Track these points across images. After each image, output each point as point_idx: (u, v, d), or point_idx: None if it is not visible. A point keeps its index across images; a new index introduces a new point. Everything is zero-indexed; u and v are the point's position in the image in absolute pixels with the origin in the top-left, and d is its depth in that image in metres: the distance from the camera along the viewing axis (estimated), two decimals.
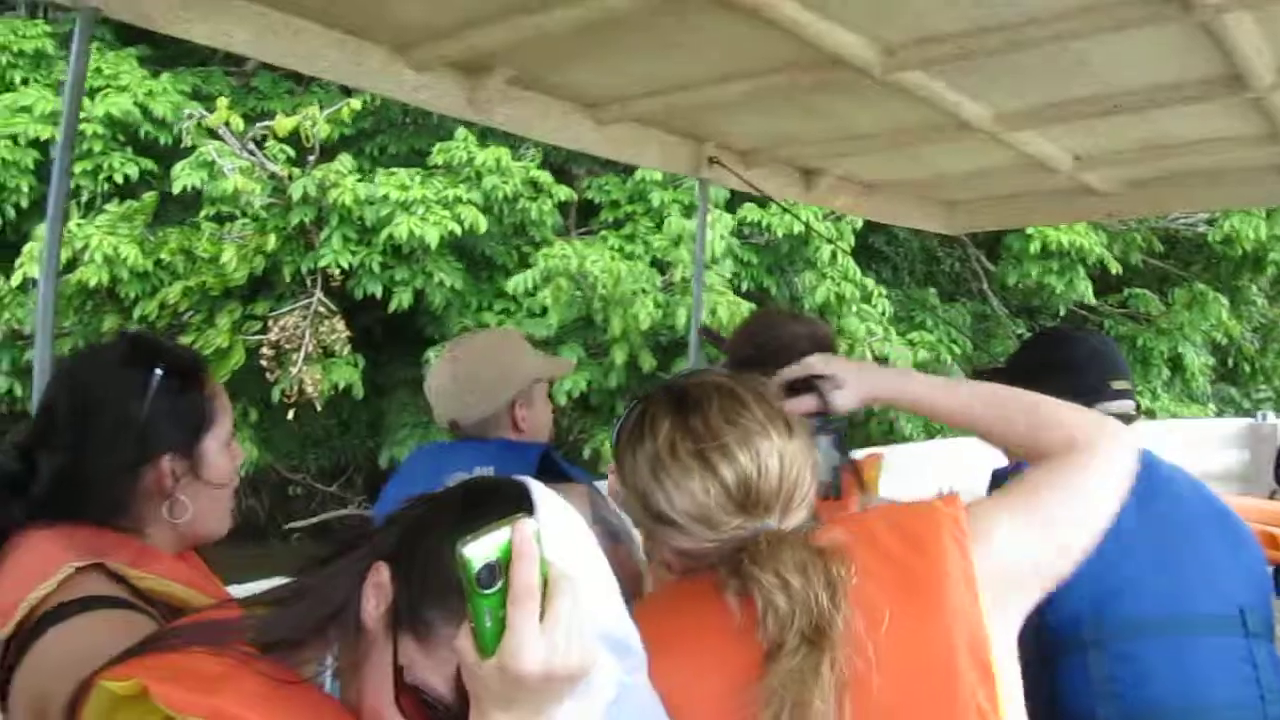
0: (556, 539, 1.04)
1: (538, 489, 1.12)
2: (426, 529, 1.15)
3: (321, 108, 10.64)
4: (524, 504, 1.09)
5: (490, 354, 2.58)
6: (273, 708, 1.08)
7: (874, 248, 13.54)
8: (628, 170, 11.67)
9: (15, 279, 10.01)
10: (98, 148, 10.56)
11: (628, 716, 1.12)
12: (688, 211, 11.05)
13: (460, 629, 1.01)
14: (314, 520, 12.23)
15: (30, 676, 1.40)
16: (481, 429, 2.50)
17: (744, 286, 11.50)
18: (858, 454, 1.87)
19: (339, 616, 1.16)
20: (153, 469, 1.56)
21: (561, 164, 11.85)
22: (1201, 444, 5.26)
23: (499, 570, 0.96)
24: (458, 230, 10.52)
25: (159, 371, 1.57)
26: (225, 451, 1.65)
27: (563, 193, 11.63)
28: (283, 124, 10.42)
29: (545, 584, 0.97)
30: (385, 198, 10.54)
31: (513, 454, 2.38)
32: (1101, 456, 1.42)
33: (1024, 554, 1.33)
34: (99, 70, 10.55)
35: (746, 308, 10.42)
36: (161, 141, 10.91)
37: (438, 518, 1.16)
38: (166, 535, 1.59)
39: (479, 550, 0.96)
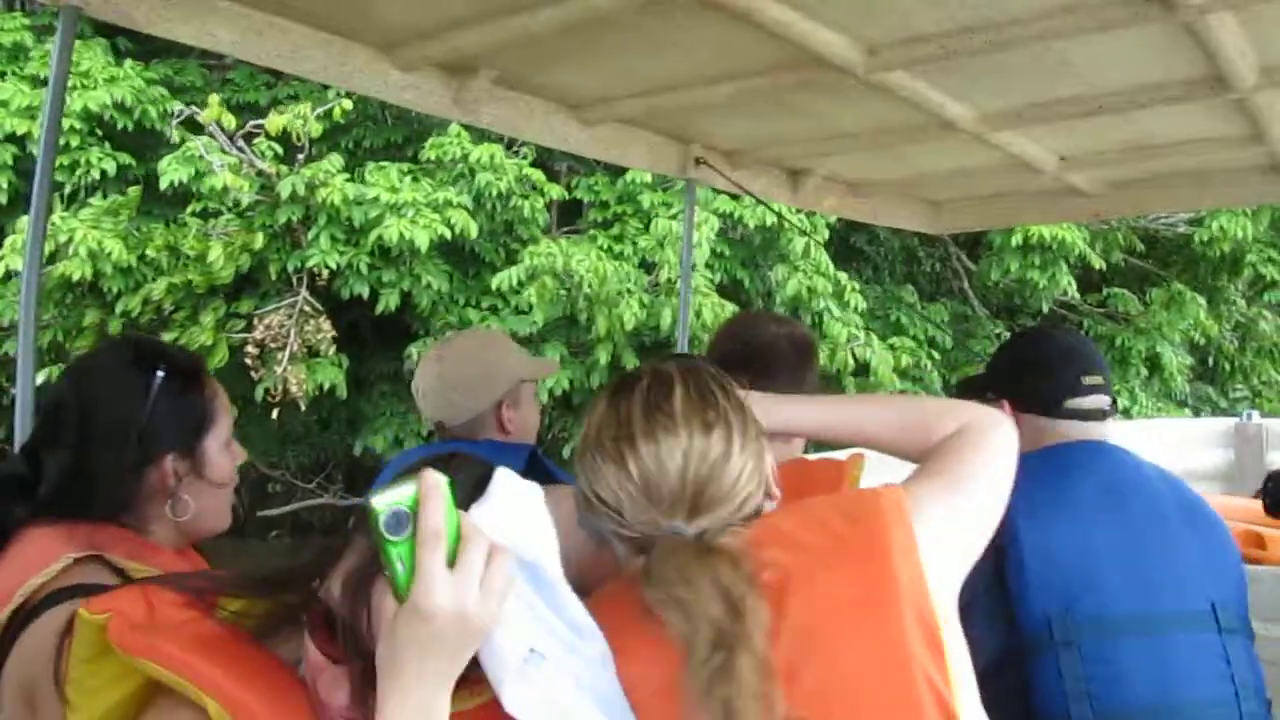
0: (508, 516, 1.10)
1: (500, 472, 1.15)
2: None
3: (312, 106, 10.59)
4: (482, 480, 1.13)
5: (476, 355, 2.57)
6: (215, 654, 1.13)
7: (854, 246, 13.56)
8: (617, 171, 11.67)
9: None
10: (74, 142, 10.50)
11: (591, 693, 1.15)
12: (676, 214, 11.06)
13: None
14: (288, 509, 12.21)
15: (18, 663, 1.43)
16: (468, 430, 2.50)
17: (718, 280, 11.52)
18: (840, 455, 1.87)
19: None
20: (156, 469, 1.60)
21: (544, 160, 11.84)
22: (1186, 444, 5.28)
23: (407, 519, 1.01)
24: (447, 234, 10.49)
25: (161, 373, 1.61)
26: (226, 451, 1.69)
27: (554, 191, 11.62)
28: (275, 122, 10.38)
29: (458, 536, 1.03)
30: (375, 199, 10.51)
31: (499, 455, 2.37)
32: (992, 438, 1.46)
33: (947, 530, 1.34)
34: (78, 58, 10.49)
35: (730, 309, 10.44)
36: (121, 125, 10.82)
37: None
38: (168, 532, 1.63)
39: (385, 500, 1.02)
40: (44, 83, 10.11)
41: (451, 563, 1.02)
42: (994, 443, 1.46)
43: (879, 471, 1.53)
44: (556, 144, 3.52)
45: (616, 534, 1.34)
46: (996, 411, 1.52)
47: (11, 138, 10.36)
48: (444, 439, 2.56)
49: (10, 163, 10.41)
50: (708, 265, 11.30)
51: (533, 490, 1.16)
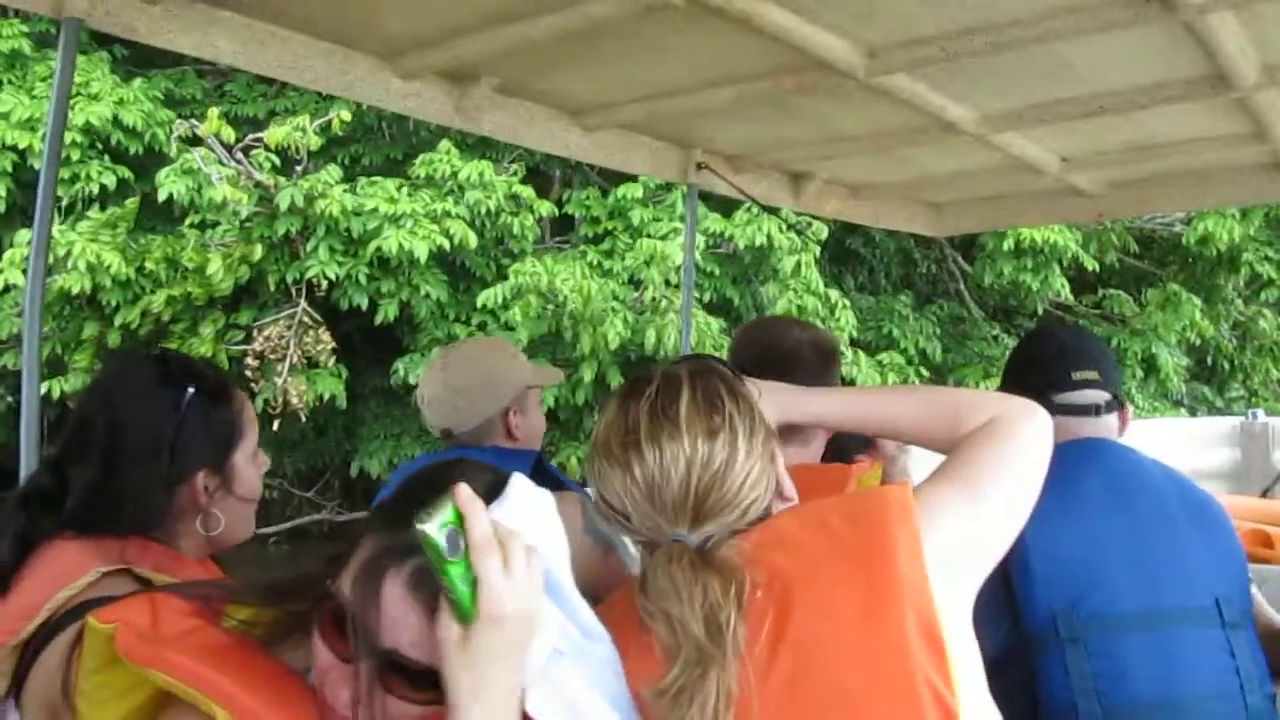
0: (524, 520, 1.11)
1: (516, 478, 1.17)
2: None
3: (311, 118, 10.60)
4: (494, 485, 1.14)
5: (481, 362, 2.58)
6: (223, 663, 1.13)
7: (850, 249, 13.56)
8: (611, 181, 11.68)
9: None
10: (75, 155, 10.50)
11: (599, 687, 1.16)
12: (667, 235, 11.08)
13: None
14: (288, 525, 12.19)
15: (41, 676, 1.42)
16: (475, 437, 2.50)
17: (707, 298, 11.52)
18: (864, 459, 1.86)
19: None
20: (188, 485, 1.61)
21: (541, 168, 11.83)
22: (1191, 443, 5.28)
23: (458, 536, 1.02)
24: (446, 245, 10.51)
25: (191, 390, 1.61)
26: (253, 463, 1.71)
27: (544, 208, 11.62)
28: (274, 135, 10.38)
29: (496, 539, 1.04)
30: (374, 210, 10.51)
31: (506, 462, 2.37)
32: (1020, 430, 1.44)
33: (966, 528, 1.33)
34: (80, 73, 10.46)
35: (717, 326, 10.44)
36: (132, 151, 10.85)
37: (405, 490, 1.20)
38: (195, 544, 1.64)
39: (434, 525, 1.02)
40: (44, 95, 10.13)
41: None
42: (1023, 434, 1.43)
43: (927, 466, 1.51)
44: (558, 150, 3.52)
45: (630, 538, 1.34)
46: (1030, 403, 1.49)
47: (10, 149, 10.35)
48: (450, 446, 2.56)
49: (9, 170, 10.39)
50: (696, 283, 11.30)
51: (545, 497, 1.17)
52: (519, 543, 1.05)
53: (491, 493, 1.13)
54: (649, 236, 11.18)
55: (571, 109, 3.32)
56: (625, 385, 1.41)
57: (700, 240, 10.93)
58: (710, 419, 1.31)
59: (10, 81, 10.89)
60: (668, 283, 10.81)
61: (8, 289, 9.90)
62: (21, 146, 10.24)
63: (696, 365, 1.41)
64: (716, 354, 2.22)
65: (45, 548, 1.52)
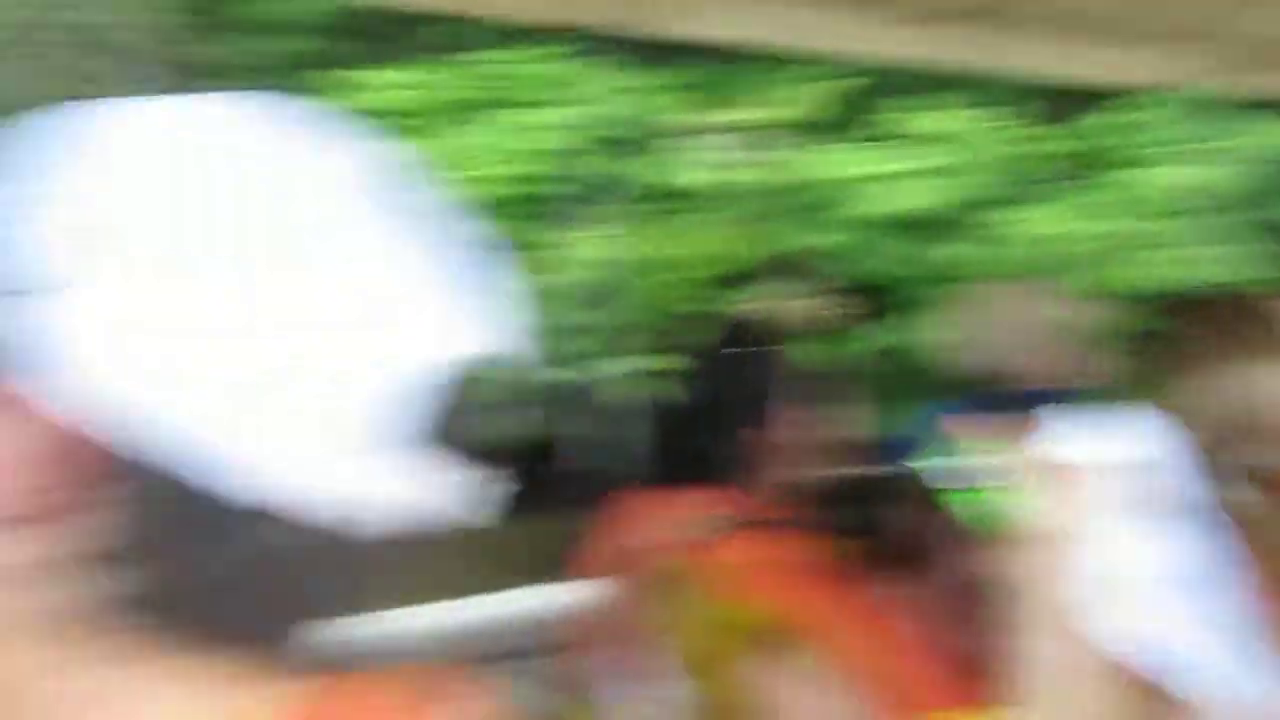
0: (1089, 446, 1.12)
1: (1071, 411, 1.17)
2: None
3: (802, 88, 10.89)
4: (1045, 424, 1.16)
5: (1006, 304, 2.61)
6: (814, 591, 1.22)
7: None
8: (1100, 110, 10.95)
9: (536, 280, 11.03)
10: (587, 153, 11.40)
11: (1201, 617, 1.12)
12: (1173, 153, 10.18)
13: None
14: (829, 477, 12.55)
15: (656, 615, 1.59)
16: (1002, 377, 2.48)
17: (1249, 219, 10.36)
18: None
19: None
20: (754, 437, 1.73)
21: (1038, 114, 11.31)
22: None
23: (968, 467, 1.12)
24: (930, 204, 10.40)
25: (754, 348, 1.77)
26: (796, 413, 1.80)
27: (1044, 147, 11.10)
28: (762, 113, 10.77)
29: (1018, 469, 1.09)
30: (862, 175, 10.62)
31: (1039, 402, 2.34)
32: None
33: None
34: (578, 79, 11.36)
35: (1252, 252, 9.41)
36: (639, 140, 11.60)
37: None
38: (767, 490, 1.79)
39: (937, 463, 1.15)
40: (557, 102, 11.13)
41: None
42: None
43: None
44: (1055, 74, 3.35)
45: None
46: None
47: (536, 155, 11.42)
48: (976, 391, 2.56)
49: (541, 173, 11.44)
50: (1224, 208, 10.24)
51: (1116, 428, 1.16)
52: (1055, 465, 1.07)
53: (1042, 428, 1.14)
54: (1152, 163, 10.35)
55: (1070, 27, 3.15)
56: (1157, 326, 1.40)
57: (1240, 149, 9.93)
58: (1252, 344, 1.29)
59: (538, 101, 11.95)
60: (1180, 211, 9.94)
61: (553, 284, 10.88)
62: (543, 149, 11.25)
63: (1227, 294, 1.40)
64: (1255, 284, 2.05)
65: (650, 502, 1.75)
